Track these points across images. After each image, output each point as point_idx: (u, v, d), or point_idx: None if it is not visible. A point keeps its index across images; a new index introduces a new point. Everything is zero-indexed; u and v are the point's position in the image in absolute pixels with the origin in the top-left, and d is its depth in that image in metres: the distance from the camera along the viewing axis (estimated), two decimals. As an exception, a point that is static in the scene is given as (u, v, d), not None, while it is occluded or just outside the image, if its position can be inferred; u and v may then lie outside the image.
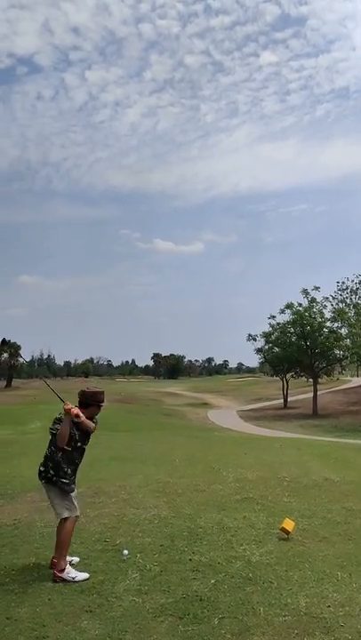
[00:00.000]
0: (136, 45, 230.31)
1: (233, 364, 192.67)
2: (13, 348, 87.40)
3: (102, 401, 4.92)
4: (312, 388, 42.35)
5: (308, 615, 3.86)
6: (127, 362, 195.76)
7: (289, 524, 5.65)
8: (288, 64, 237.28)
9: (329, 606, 4.00)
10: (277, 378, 52.32)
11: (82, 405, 4.78)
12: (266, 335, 44.57)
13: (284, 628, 3.67)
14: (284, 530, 5.62)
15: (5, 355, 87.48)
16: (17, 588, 4.34)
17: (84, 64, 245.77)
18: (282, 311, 42.21)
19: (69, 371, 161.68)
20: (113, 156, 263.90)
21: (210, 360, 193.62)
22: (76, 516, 4.82)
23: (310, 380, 44.17)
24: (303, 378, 48.56)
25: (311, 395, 41.94)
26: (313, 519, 6.36)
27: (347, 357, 41.73)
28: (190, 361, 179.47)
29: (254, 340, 46.02)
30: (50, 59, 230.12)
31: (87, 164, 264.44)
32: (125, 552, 5.00)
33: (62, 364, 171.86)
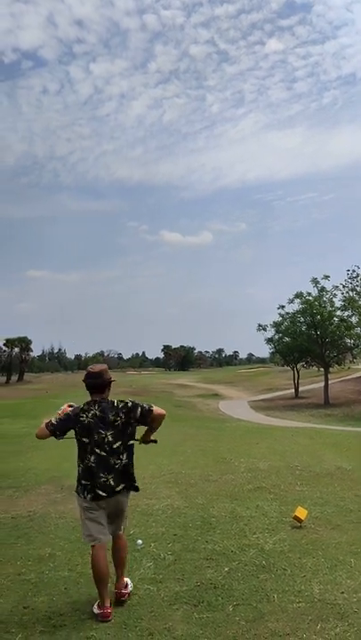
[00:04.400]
0: (140, 37, 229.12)
1: (243, 355, 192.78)
2: (24, 343, 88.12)
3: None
4: (323, 377, 42.23)
5: (322, 602, 3.88)
6: (137, 354, 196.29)
7: (302, 513, 5.67)
8: (294, 51, 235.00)
9: (343, 592, 4.02)
10: (288, 368, 52.19)
11: (96, 389, 3.93)
12: (276, 325, 44.42)
13: (298, 614, 3.69)
14: (296, 518, 5.64)
15: (16, 349, 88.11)
16: (33, 578, 4.40)
17: (88, 57, 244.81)
18: (291, 301, 42.07)
19: (80, 364, 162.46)
20: (119, 149, 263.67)
21: (220, 351, 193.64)
22: None
23: (321, 369, 44.02)
24: (314, 367, 48.40)
25: (322, 384, 41.80)
26: (326, 507, 6.38)
27: (358, 346, 41.49)
28: (200, 352, 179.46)
29: (264, 330, 45.86)
30: (54, 52, 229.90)
31: (93, 157, 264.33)
32: (139, 542, 5.05)
33: (73, 357, 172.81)
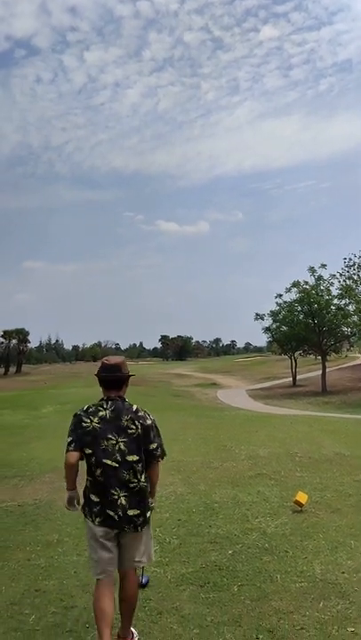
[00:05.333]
0: (134, 24, 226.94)
1: (241, 344, 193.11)
2: (22, 334, 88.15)
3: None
4: (320, 365, 42.46)
5: (324, 581, 4.02)
6: (135, 345, 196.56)
7: (302, 497, 5.82)
8: (290, 38, 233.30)
9: (343, 572, 4.16)
10: (285, 356, 52.43)
11: (112, 385, 3.25)
12: (273, 314, 44.56)
13: (300, 593, 3.83)
14: (297, 502, 5.78)
15: (14, 341, 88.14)
16: (43, 563, 4.54)
17: (82, 45, 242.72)
18: (288, 290, 42.16)
19: (78, 355, 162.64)
20: (114, 138, 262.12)
21: (217, 340, 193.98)
22: None
23: (318, 357, 44.25)
24: (311, 356, 48.66)
25: (320, 372, 42.04)
26: (325, 492, 6.52)
27: (355, 334, 41.72)
28: (198, 342, 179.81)
29: (262, 319, 45.96)
30: (48, 40, 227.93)
31: (89, 147, 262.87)
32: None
33: (71, 348, 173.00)
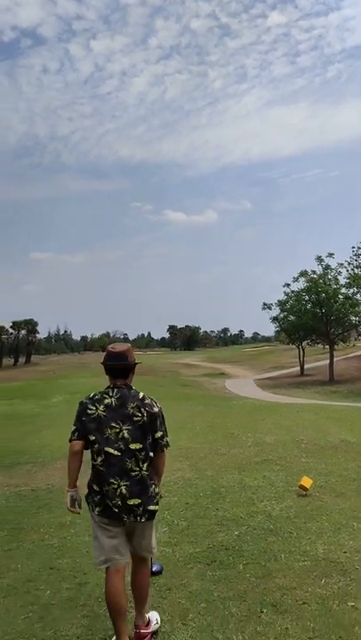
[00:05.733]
0: (140, 11, 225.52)
1: (249, 334, 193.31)
2: (31, 325, 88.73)
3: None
4: (328, 355, 42.52)
5: (326, 560, 4.18)
6: (143, 335, 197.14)
7: (307, 482, 5.97)
8: (297, 24, 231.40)
9: (345, 552, 4.32)
10: (293, 346, 52.52)
11: (118, 373, 3.21)
12: (281, 304, 44.61)
13: (303, 571, 4.00)
14: (302, 487, 5.94)
15: (23, 331, 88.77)
16: (56, 543, 4.74)
17: (88, 33, 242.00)
18: (296, 279, 42.18)
19: (86, 345, 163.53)
20: (121, 128, 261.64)
21: (225, 330, 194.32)
22: None
23: (326, 347, 44.29)
24: (319, 345, 48.68)
25: (327, 362, 42.12)
26: (330, 477, 6.68)
27: (363, 323, 41.76)
28: (206, 332, 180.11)
29: (269, 308, 46.05)
30: (53, 29, 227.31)
31: (95, 137, 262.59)
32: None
33: (79, 338, 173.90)
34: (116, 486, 3.02)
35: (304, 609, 3.43)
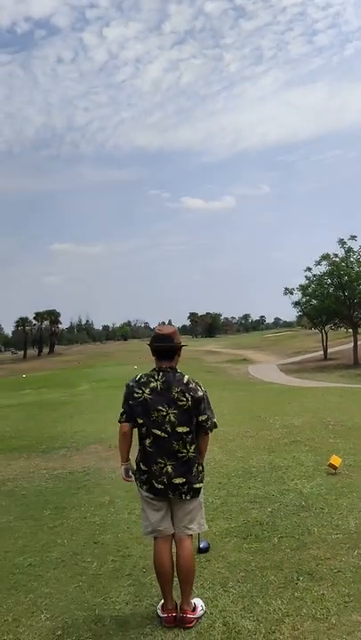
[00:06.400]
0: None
1: (270, 320, 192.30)
2: (53, 316, 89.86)
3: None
4: (351, 338, 42.24)
5: (358, 533, 4.34)
6: (164, 322, 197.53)
7: (336, 460, 6.12)
8: (313, 2, 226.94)
9: (376, 526, 4.47)
10: (315, 330, 52.29)
11: (164, 355, 3.30)
12: (303, 288, 44.35)
13: (336, 543, 4.17)
14: (331, 465, 6.09)
15: (46, 322, 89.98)
16: (98, 520, 4.99)
17: (101, 21, 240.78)
18: (318, 263, 41.86)
19: (108, 335, 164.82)
20: (137, 116, 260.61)
21: (246, 316, 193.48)
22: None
23: (349, 330, 43.98)
24: (342, 329, 48.36)
25: (351, 345, 41.87)
26: (358, 456, 6.80)
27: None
28: (227, 318, 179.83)
29: (291, 293, 45.76)
30: (67, 19, 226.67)
31: (112, 126, 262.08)
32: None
33: (101, 328, 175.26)
34: (162, 465, 3.16)
35: (339, 576, 3.61)
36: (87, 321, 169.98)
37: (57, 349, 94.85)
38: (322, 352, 48.97)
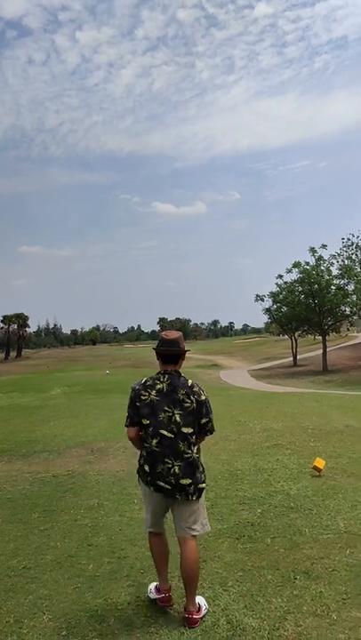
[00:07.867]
0: (127, 2, 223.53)
1: (239, 326, 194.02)
2: (22, 319, 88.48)
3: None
4: (320, 345, 43.05)
5: (348, 533, 4.45)
6: (133, 328, 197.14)
7: (320, 463, 6.25)
8: (284, 14, 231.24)
9: (365, 525, 4.59)
10: (284, 337, 53.05)
11: (170, 360, 3.40)
12: (273, 295, 44.98)
13: (328, 543, 4.27)
14: (316, 468, 6.22)
15: (14, 326, 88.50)
16: (89, 523, 4.96)
17: (74, 24, 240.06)
18: (289, 270, 42.53)
19: (77, 339, 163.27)
20: (109, 120, 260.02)
21: (215, 322, 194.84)
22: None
23: (317, 337, 44.84)
24: (310, 335, 49.18)
25: (319, 352, 42.69)
26: (340, 459, 6.96)
27: (355, 314, 42.22)
28: (196, 324, 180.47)
29: (262, 300, 46.42)
30: (39, 20, 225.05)
31: (83, 129, 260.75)
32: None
33: (69, 332, 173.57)
34: (170, 465, 3.23)
35: (335, 575, 3.70)
36: (55, 325, 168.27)
37: (25, 353, 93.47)
38: (291, 358, 49.67)
